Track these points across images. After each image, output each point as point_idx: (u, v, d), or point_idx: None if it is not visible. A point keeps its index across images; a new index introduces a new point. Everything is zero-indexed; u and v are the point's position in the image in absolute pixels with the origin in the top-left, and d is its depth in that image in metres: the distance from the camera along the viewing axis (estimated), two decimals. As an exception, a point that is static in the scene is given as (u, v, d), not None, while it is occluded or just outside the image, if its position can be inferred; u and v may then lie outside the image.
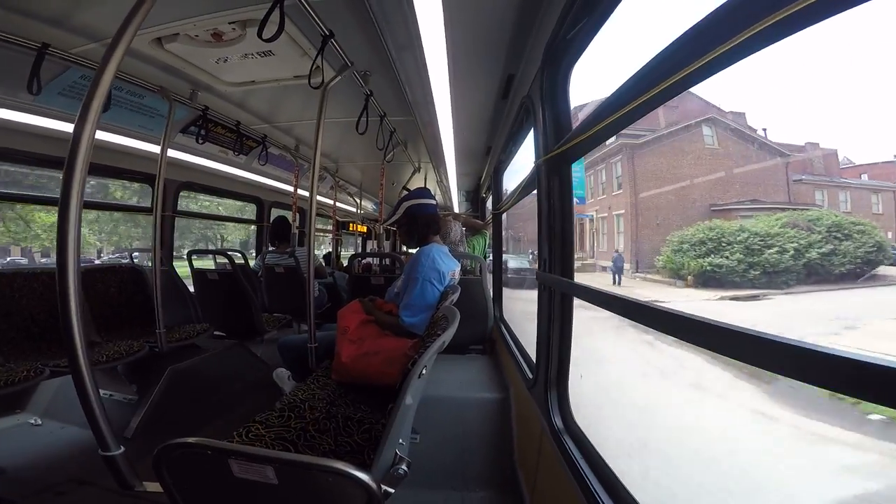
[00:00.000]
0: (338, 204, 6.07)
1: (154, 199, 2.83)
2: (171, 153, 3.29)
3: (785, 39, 0.61)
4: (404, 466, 1.20)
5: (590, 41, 1.37)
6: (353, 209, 7.12)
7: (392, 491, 1.10)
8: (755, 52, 0.66)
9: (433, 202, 2.31)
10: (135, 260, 3.67)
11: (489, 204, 5.11)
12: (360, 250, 8.91)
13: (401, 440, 1.26)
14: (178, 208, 3.98)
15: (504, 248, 3.82)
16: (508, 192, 3.55)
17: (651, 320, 0.94)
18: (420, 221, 2.25)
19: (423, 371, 1.19)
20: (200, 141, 3.26)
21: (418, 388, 1.32)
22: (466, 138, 3.74)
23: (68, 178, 1.14)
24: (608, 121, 1.04)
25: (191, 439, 1.00)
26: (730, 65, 0.71)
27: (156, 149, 3.01)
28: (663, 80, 0.83)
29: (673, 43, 0.82)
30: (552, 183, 1.60)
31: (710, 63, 0.72)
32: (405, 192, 2.46)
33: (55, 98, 2.39)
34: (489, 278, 3.51)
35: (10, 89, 2.22)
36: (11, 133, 2.53)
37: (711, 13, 0.72)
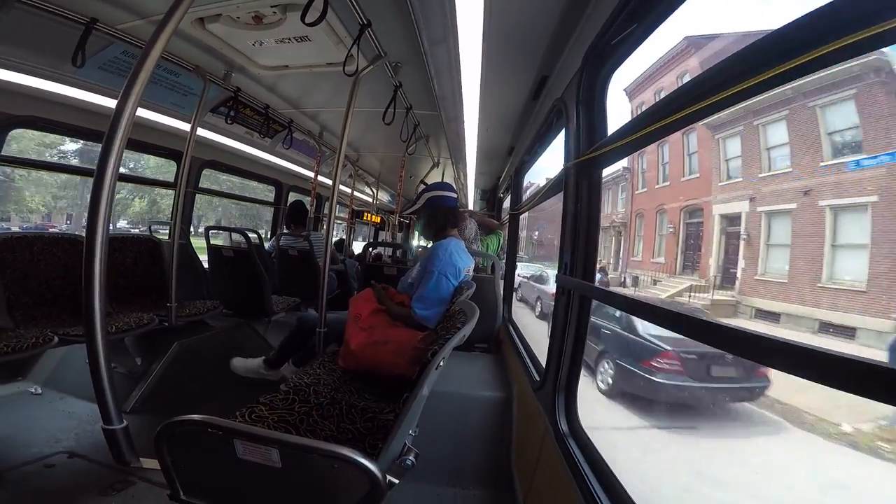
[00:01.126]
0: (355, 193, 6.10)
1: (179, 174, 2.87)
2: (199, 132, 3.34)
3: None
4: (412, 457, 1.19)
5: (635, 48, 1.37)
6: (370, 199, 7.15)
7: (396, 482, 1.08)
8: (795, 79, 0.67)
9: (454, 195, 2.31)
10: (153, 232, 3.72)
11: (506, 204, 5.11)
12: (371, 240, 8.95)
13: (410, 431, 1.26)
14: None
15: (521, 253, 3.82)
16: (528, 195, 3.55)
17: (670, 322, 0.93)
18: (440, 213, 2.25)
19: (441, 363, 1.19)
20: (229, 122, 3.30)
21: (433, 380, 1.32)
22: (490, 137, 3.74)
23: (106, 150, 1.17)
24: (644, 131, 1.05)
25: (196, 416, 0.99)
26: (775, 87, 0.72)
27: (184, 126, 3.05)
28: (707, 98, 0.83)
29: (721, 62, 0.83)
30: (581, 187, 1.60)
31: (753, 86, 0.73)
32: (424, 185, 2.48)
33: (95, 72, 2.43)
34: (501, 278, 3.52)
35: (54, 61, 2.27)
36: (52, 105, 2.58)
37: (762, 38, 0.72)
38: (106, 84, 2.53)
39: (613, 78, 1.57)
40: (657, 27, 1.24)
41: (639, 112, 1.10)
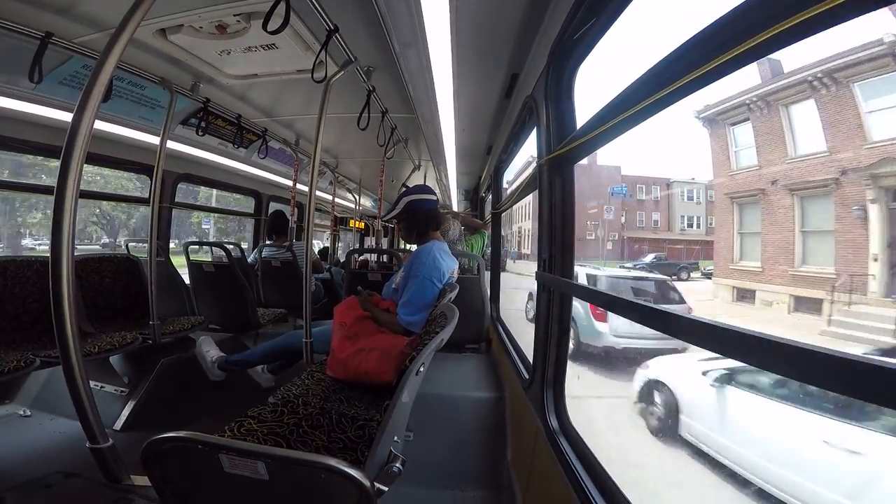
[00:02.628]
0: (336, 200, 6.05)
1: (152, 190, 2.81)
2: (171, 145, 3.27)
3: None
4: (398, 465, 1.19)
5: (597, 42, 1.37)
6: (352, 205, 7.10)
7: (385, 489, 1.08)
8: (760, 57, 0.67)
9: (434, 198, 2.30)
10: (130, 250, 3.64)
11: (489, 203, 5.12)
12: (356, 247, 8.89)
13: (395, 438, 1.25)
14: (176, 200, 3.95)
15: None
16: (508, 192, 3.56)
17: (653, 322, 0.93)
18: (419, 217, 2.24)
19: (421, 368, 1.18)
20: (201, 133, 3.24)
21: (415, 386, 1.31)
22: (467, 137, 3.74)
23: (65, 166, 1.14)
24: (612, 122, 1.04)
25: (181, 433, 0.99)
26: (734, 70, 0.71)
27: (155, 140, 2.99)
28: (670, 84, 0.83)
29: (680, 47, 0.82)
30: (554, 183, 1.60)
31: (716, 68, 0.72)
32: (406, 188, 2.46)
33: (56, 87, 2.37)
34: (487, 277, 3.53)
35: (11, 77, 2.20)
36: (10, 122, 2.50)
37: (720, 18, 0.72)
38: (68, 99, 2.46)
39: (581, 73, 1.58)
40: (615, 20, 1.24)
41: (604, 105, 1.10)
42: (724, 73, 0.72)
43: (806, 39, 0.60)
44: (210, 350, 2.62)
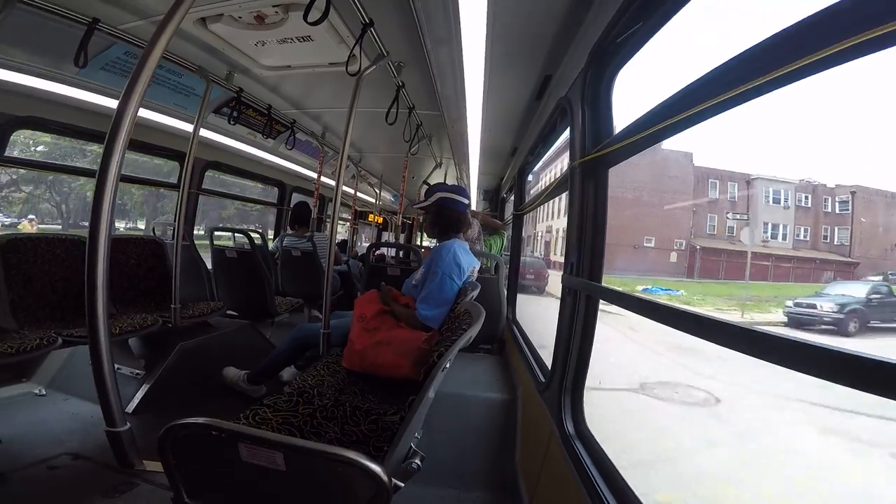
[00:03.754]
0: (358, 193, 6.10)
1: (182, 175, 2.87)
2: (202, 132, 3.34)
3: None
4: (417, 460, 1.19)
5: (641, 46, 1.35)
6: (372, 199, 7.15)
7: (402, 485, 1.07)
8: (815, 73, 0.66)
9: (466, 202, 2.28)
10: (156, 232, 3.72)
11: (510, 205, 5.10)
12: (374, 240, 8.95)
13: (416, 434, 1.26)
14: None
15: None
16: (532, 195, 3.54)
17: (676, 321, 0.93)
18: (447, 216, 2.24)
19: (447, 365, 1.18)
20: (232, 122, 3.30)
21: (438, 382, 1.32)
22: (492, 137, 3.73)
23: (109, 151, 1.16)
24: (652, 129, 1.03)
25: (200, 419, 0.98)
26: (779, 87, 0.71)
27: (187, 127, 3.05)
28: (715, 97, 0.82)
29: (729, 61, 0.81)
30: (587, 187, 1.59)
31: (761, 85, 0.72)
32: (426, 188, 2.45)
33: (97, 73, 2.43)
34: (505, 279, 3.51)
35: (56, 62, 2.26)
36: (54, 105, 2.57)
37: (771, 37, 0.71)
38: (108, 84, 2.53)
39: (620, 77, 1.56)
40: (663, 25, 1.22)
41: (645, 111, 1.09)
42: (770, 90, 0.71)
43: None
44: (231, 372, 2.64)
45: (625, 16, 1.27)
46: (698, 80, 0.88)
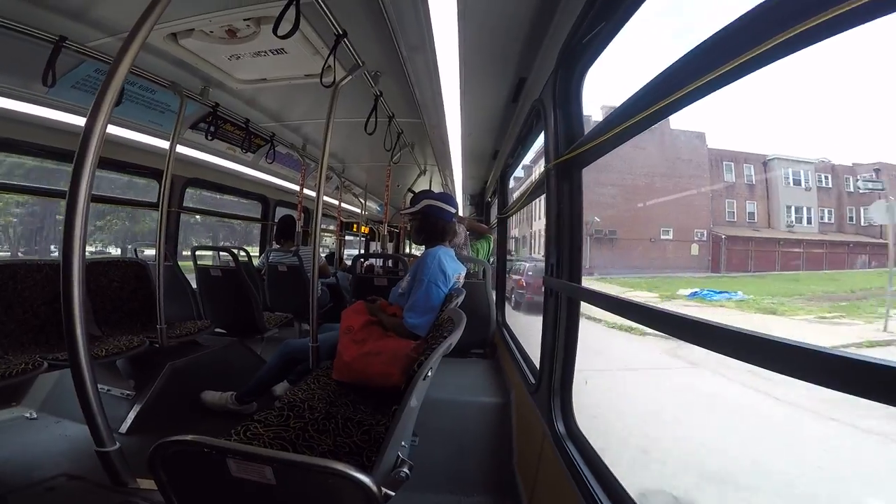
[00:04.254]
0: (342, 204, 6.07)
1: (161, 194, 2.83)
2: (180, 149, 3.30)
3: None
4: (406, 469, 1.18)
5: (605, 46, 1.37)
6: (358, 210, 7.13)
7: (392, 494, 1.08)
8: (771, 62, 0.66)
9: (453, 210, 2.28)
10: (138, 254, 3.67)
11: (495, 208, 5.12)
12: (362, 251, 8.91)
13: (403, 443, 1.25)
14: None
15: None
16: (514, 197, 3.55)
17: (659, 324, 0.94)
18: (432, 222, 2.24)
19: (429, 373, 1.18)
20: (209, 137, 3.27)
21: (422, 391, 1.31)
22: (474, 141, 3.74)
23: (78, 171, 1.14)
24: (622, 127, 1.04)
25: (188, 437, 0.99)
26: (744, 76, 0.71)
27: (164, 144, 3.02)
28: (680, 89, 0.83)
29: (689, 52, 0.82)
30: (562, 188, 1.60)
31: (725, 74, 0.72)
32: (411, 195, 2.45)
33: (68, 91, 2.39)
34: (492, 283, 3.52)
35: (25, 81, 2.23)
36: (24, 125, 2.54)
37: (729, 24, 0.72)
38: (80, 103, 2.49)
39: (589, 77, 1.58)
40: (625, 23, 1.24)
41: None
42: (736, 78, 0.72)
43: (821, 42, 0.60)
44: (214, 396, 2.63)
45: (588, 16, 1.29)
46: (662, 73, 0.89)
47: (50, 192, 3.02)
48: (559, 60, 1.58)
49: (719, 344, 0.72)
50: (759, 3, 0.66)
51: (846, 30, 0.55)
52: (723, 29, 0.74)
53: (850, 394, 0.49)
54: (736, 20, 0.71)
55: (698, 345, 0.78)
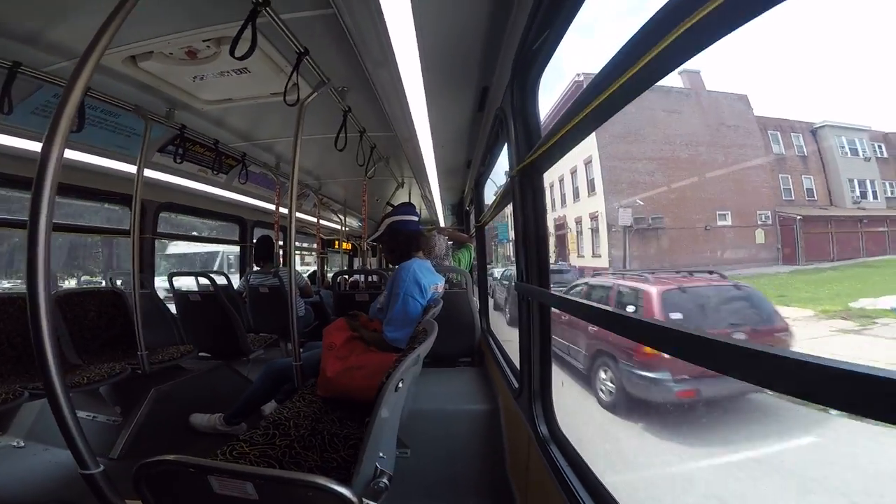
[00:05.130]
0: (322, 221, 6.04)
1: (132, 220, 2.78)
2: (150, 173, 3.26)
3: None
4: (385, 480, 1.21)
5: (554, 51, 1.41)
6: (338, 226, 7.10)
7: None
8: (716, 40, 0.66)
9: (415, 218, 2.33)
10: (114, 282, 3.61)
11: (473, 216, 5.15)
12: (347, 268, 8.85)
13: (381, 454, 1.28)
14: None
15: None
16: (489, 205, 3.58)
17: (626, 330, 0.94)
18: (401, 238, 2.28)
19: (400, 384, 1.19)
20: (178, 160, 3.23)
21: (397, 402, 1.32)
22: (446, 152, 3.77)
23: (37, 199, 1.11)
24: (571, 124, 1.06)
25: (170, 457, 1.02)
26: (684, 61, 0.72)
27: (132, 168, 2.98)
28: (621, 77, 0.83)
29: (626, 44, 0.84)
30: (526, 194, 1.63)
31: (658, 59, 0.73)
32: (389, 208, 2.47)
33: (28, 117, 2.35)
34: (475, 291, 3.53)
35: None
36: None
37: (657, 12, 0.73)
38: (40, 129, 2.40)
39: (544, 82, 1.61)
40: (567, 28, 1.28)
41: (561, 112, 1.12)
42: (678, 63, 0.72)
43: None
44: (202, 418, 2.63)
45: (535, 24, 1.33)
46: (603, 68, 0.91)
47: (9, 223, 2.96)
48: (514, 68, 1.62)
49: (696, 353, 0.66)
50: None
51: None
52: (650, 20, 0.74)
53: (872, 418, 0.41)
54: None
55: (675, 354, 0.71)
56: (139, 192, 2.67)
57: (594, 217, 10.75)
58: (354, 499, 0.98)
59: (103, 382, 2.37)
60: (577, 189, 11.84)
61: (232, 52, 1.64)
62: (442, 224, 7.95)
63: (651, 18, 0.74)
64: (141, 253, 3.07)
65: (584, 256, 11.69)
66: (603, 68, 0.92)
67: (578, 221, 11.99)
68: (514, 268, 1.94)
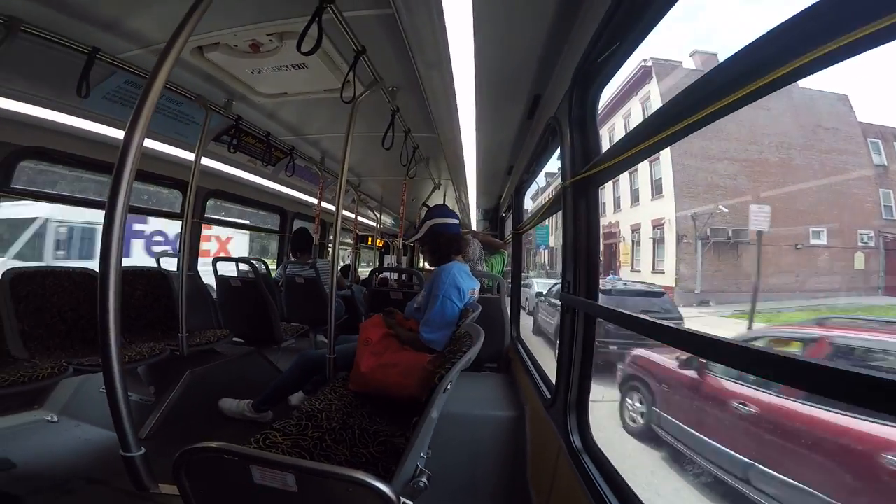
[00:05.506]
0: (359, 218, 6.14)
1: (185, 205, 2.90)
2: (203, 161, 3.39)
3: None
4: (424, 479, 1.22)
5: (621, 66, 1.40)
6: (373, 223, 7.21)
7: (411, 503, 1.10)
8: (790, 83, 0.66)
9: (456, 221, 2.35)
10: (160, 263, 3.76)
11: (509, 223, 5.12)
12: (377, 265, 8.96)
13: (422, 454, 1.29)
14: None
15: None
16: (529, 213, 3.55)
17: (673, 339, 0.94)
18: (442, 241, 2.29)
19: (449, 386, 1.20)
20: (232, 150, 3.35)
21: (441, 403, 1.32)
22: (488, 157, 3.77)
23: (117, 182, 1.18)
24: (640, 147, 1.04)
25: (213, 443, 1.02)
26: (764, 95, 0.71)
27: (187, 155, 3.10)
28: (699, 111, 0.82)
29: (709, 73, 0.82)
30: (579, 205, 1.61)
31: (745, 96, 0.72)
32: (426, 209, 2.49)
33: (100, 102, 2.47)
34: (507, 298, 3.51)
35: (60, 91, 2.31)
36: (57, 135, 2.63)
37: (760, 38, 0.71)
38: (110, 114, 2.58)
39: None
40: (639, 44, 1.26)
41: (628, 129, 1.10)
42: (755, 99, 0.72)
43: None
44: (231, 403, 2.69)
45: (603, 36, 1.31)
46: (677, 96, 0.89)
47: (89, 202, 3.12)
48: (574, 79, 1.60)
49: (733, 359, 0.73)
50: (794, 15, 0.65)
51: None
52: (746, 47, 0.73)
53: (856, 405, 0.54)
54: (760, 38, 0.70)
55: (709, 359, 0.80)
56: (196, 178, 2.77)
57: (658, 225, 9.13)
58: (394, 496, 0.97)
59: (143, 362, 2.41)
60: (637, 191, 10.03)
61: (298, 48, 1.68)
62: (474, 228, 7.94)
63: (727, 60, 0.73)
64: (190, 236, 3.19)
65: (639, 272, 9.88)
66: (672, 100, 0.90)
67: (635, 229, 10.17)
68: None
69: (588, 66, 1.52)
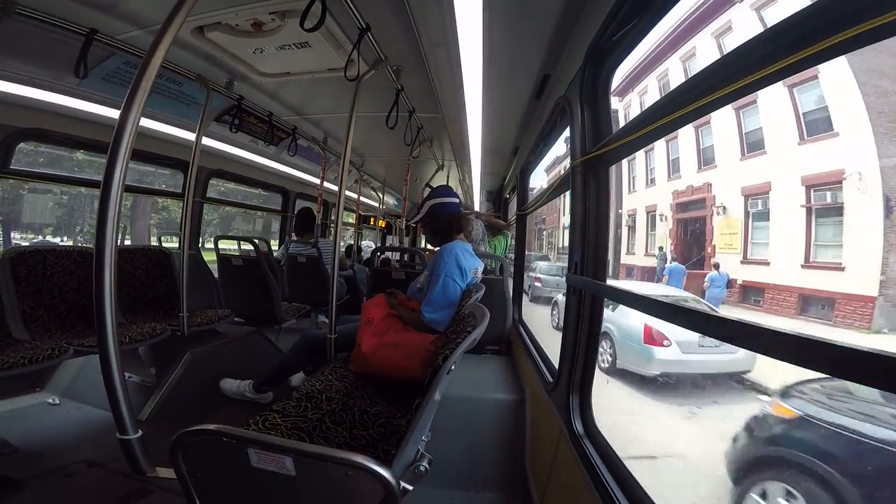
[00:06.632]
0: (361, 198, 6.12)
1: (186, 184, 2.88)
2: (204, 141, 3.36)
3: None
4: (425, 463, 1.20)
5: (637, 43, 1.35)
6: (376, 204, 7.18)
7: (410, 488, 1.08)
8: (817, 63, 0.64)
9: (456, 200, 2.33)
10: (162, 242, 3.75)
11: (513, 205, 5.08)
12: (378, 244, 8.97)
13: (423, 437, 1.27)
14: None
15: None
16: (534, 194, 3.52)
17: (682, 319, 0.93)
18: (442, 220, 2.27)
19: (453, 367, 1.19)
20: (234, 130, 3.32)
21: (444, 385, 1.32)
22: (493, 137, 3.72)
23: (112, 161, 1.16)
24: (656, 125, 1.02)
25: (210, 426, 1.01)
26: (786, 77, 0.69)
27: (189, 135, 3.06)
28: (716, 90, 0.80)
29: (726, 55, 0.80)
30: (588, 185, 1.58)
31: (760, 79, 0.70)
32: (429, 190, 2.47)
33: (99, 83, 2.45)
34: (510, 279, 3.50)
35: (58, 73, 2.28)
36: (56, 117, 2.60)
37: (783, 20, 0.69)
38: (109, 95, 2.55)
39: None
40: (658, 21, 1.22)
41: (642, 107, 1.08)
42: (776, 80, 0.70)
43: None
44: (232, 384, 2.70)
45: (619, 13, 1.27)
46: (695, 76, 0.87)
47: (85, 182, 3.10)
48: (587, 57, 1.56)
49: (742, 339, 0.74)
50: (799, 9, 0.64)
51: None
52: (757, 35, 0.71)
53: (852, 381, 0.56)
54: (773, 25, 0.68)
55: (722, 340, 0.82)
56: (196, 158, 2.75)
57: (824, 184, 5.24)
58: (393, 480, 0.95)
59: (143, 342, 2.38)
60: (760, 132, 6.04)
61: (302, 24, 1.64)
62: (477, 209, 7.90)
63: (744, 44, 0.70)
64: (192, 216, 3.17)
65: (766, 263, 5.90)
66: (688, 80, 0.88)
67: (755, 194, 6.11)
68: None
69: (603, 44, 1.48)
